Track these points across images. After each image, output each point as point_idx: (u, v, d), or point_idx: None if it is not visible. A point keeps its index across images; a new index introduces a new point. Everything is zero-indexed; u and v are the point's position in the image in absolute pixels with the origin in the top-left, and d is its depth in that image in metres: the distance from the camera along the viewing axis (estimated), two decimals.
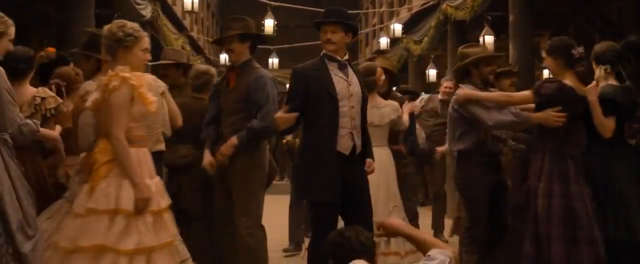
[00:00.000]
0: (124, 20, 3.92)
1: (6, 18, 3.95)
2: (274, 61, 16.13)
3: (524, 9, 8.70)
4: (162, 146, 4.88)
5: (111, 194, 3.61)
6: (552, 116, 4.49)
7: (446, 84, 8.08)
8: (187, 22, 14.39)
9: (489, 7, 9.75)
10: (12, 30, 3.96)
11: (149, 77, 4.51)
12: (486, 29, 9.89)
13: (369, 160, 4.51)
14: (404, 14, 14.28)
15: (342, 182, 4.33)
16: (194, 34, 15.19)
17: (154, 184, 3.77)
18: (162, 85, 4.75)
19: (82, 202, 3.67)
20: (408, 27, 13.74)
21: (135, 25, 3.87)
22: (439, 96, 7.99)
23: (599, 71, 4.63)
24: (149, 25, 11.39)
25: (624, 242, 4.38)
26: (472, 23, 10.62)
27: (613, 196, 4.44)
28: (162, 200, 3.79)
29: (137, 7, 10.24)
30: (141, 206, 3.62)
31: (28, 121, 3.91)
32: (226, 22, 5.21)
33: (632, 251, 4.40)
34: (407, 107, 6.94)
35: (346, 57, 4.51)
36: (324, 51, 4.48)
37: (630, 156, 4.56)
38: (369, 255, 3.29)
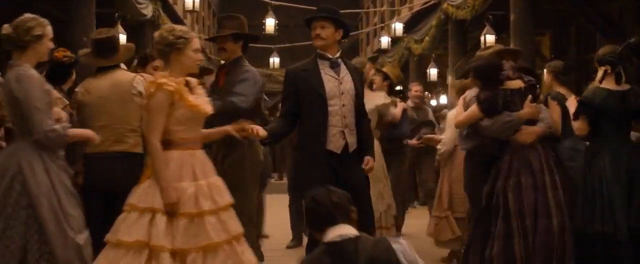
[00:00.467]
0: (172, 25, 4.05)
1: (41, 19, 3.99)
2: (275, 60, 16.12)
3: (525, 8, 8.69)
4: (122, 147, 4.65)
5: (150, 194, 3.70)
6: (534, 107, 4.67)
7: (415, 88, 8.06)
8: (188, 22, 14.38)
9: (489, 6, 9.74)
10: (49, 29, 4.00)
11: (129, 76, 4.50)
12: (487, 28, 9.88)
13: (367, 158, 4.47)
14: (405, 13, 14.28)
15: (336, 181, 4.31)
16: (195, 33, 15.20)
17: (196, 186, 3.75)
18: (138, 85, 4.66)
19: (128, 199, 3.81)
20: (409, 27, 13.74)
21: (184, 27, 3.98)
22: (410, 103, 7.92)
23: (600, 73, 4.78)
24: (150, 24, 11.39)
25: (609, 236, 4.53)
26: (473, 22, 10.61)
27: (601, 192, 4.61)
28: (206, 202, 3.75)
29: (138, 6, 10.23)
30: (168, 210, 3.66)
31: (56, 126, 3.91)
32: (220, 20, 5.19)
33: (616, 245, 4.54)
34: (400, 105, 7.00)
35: (338, 54, 4.50)
36: (317, 50, 4.49)
37: (619, 154, 4.68)
38: (345, 214, 3.21)
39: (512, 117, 4.65)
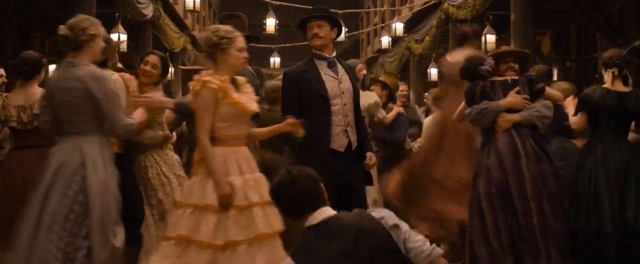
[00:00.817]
0: (216, 25, 4.09)
1: (94, 19, 4.07)
2: (275, 60, 16.14)
3: (526, 8, 8.70)
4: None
5: (195, 191, 3.81)
6: (519, 98, 4.66)
7: (401, 87, 8.04)
8: (188, 21, 14.40)
9: (490, 6, 9.76)
10: (102, 29, 4.08)
11: (100, 73, 4.50)
12: (488, 28, 9.90)
13: (369, 154, 4.55)
14: (406, 13, 14.30)
15: (337, 181, 4.33)
16: (195, 33, 15.21)
17: (243, 180, 3.83)
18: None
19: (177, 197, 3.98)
20: (409, 26, 13.76)
21: (227, 27, 4.02)
22: (397, 103, 7.86)
23: (607, 75, 4.91)
24: (151, 24, 11.41)
25: (593, 231, 4.64)
26: (473, 22, 10.62)
27: (588, 187, 4.73)
28: (254, 195, 3.82)
29: (139, 6, 10.25)
30: (223, 202, 3.75)
31: (129, 120, 4.02)
32: (221, 20, 5.17)
33: (600, 240, 4.63)
34: (396, 108, 7.00)
35: (334, 53, 4.56)
36: (313, 51, 4.53)
37: (612, 152, 4.78)
38: (321, 197, 3.20)
39: (488, 105, 4.71)
